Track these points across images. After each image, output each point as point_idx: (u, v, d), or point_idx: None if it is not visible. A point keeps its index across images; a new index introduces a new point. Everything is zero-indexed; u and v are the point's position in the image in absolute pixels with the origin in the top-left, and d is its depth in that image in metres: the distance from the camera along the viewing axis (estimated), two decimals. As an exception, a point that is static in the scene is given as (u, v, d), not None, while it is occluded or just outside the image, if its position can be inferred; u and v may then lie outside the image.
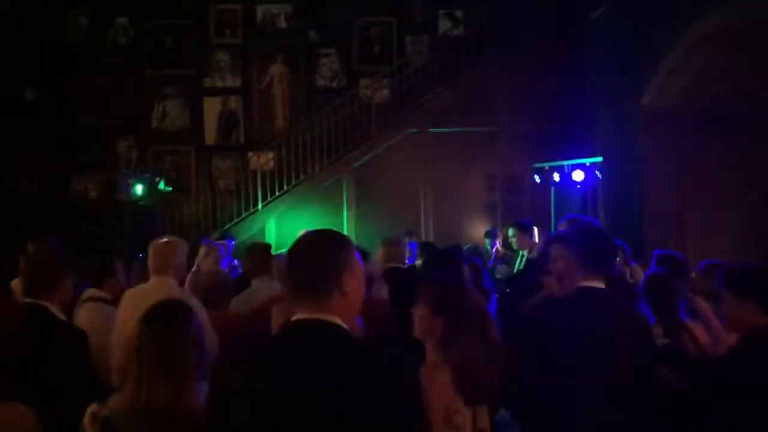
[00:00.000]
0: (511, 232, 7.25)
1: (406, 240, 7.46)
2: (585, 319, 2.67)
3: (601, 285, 2.75)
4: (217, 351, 3.51)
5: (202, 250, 5.68)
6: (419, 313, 2.79)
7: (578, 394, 2.59)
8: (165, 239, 3.76)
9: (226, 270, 5.96)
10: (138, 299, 3.59)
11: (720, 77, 8.40)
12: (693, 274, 4.79)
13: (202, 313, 3.56)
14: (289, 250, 1.94)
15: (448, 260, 3.88)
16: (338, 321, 1.84)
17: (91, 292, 4.16)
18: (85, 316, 3.93)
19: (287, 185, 10.86)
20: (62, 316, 3.19)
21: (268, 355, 1.85)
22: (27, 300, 3.13)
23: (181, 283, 3.79)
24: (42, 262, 3.27)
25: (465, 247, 6.16)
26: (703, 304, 3.83)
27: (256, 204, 10.86)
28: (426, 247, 6.04)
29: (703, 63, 8.50)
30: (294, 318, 1.85)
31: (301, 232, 6.22)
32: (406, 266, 4.78)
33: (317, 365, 1.76)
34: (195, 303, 3.62)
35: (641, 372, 2.66)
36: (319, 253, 1.88)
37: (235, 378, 1.82)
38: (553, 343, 2.64)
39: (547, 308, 3.04)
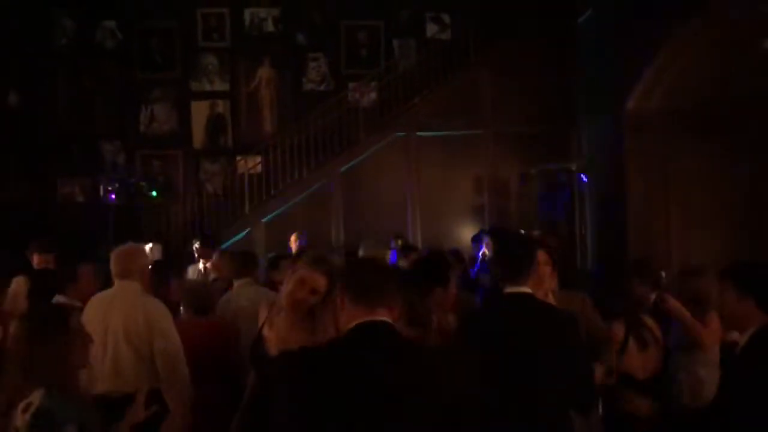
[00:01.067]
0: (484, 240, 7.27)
1: (399, 243, 7.48)
2: (507, 324, 2.80)
3: (525, 290, 2.86)
4: (183, 357, 3.53)
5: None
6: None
7: (504, 398, 2.67)
8: (127, 245, 3.87)
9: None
10: (102, 304, 3.64)
11: (703, 80, 8.48)
12: (662, 273, 4.87)
13: (163, 317, 3.58)
14: (363, 264, 2.32)
15: (437, 270, 3.71)
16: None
17: (58, 299, 4.15)
18: None
19: (275, 189, 10.87)
20: None
21: (365, 349, 2.03)
22: None
23: (149, 288, 3.84)
24: None
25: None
26: (675, 303, 3.92)
27: (243, 208, 10.85)
28: (408, 251, 6.02)
29: (687, 66, 8.57)
30: (366, 320, 2.05)
31: (293, 236, 6.22)
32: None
33: (404, 358, 2.03)
34: (157, 306, 3.65)
35: (565, 372, 2.75)
36: (392, 273, 2.24)
37: (333, 374, 1.98)
38: (480, 348, 2.71)
39: (474, 315, 3.21)
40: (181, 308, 4.19)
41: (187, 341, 3.60)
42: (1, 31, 10.41)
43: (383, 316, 2.06)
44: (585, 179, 9.96)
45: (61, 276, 4.50)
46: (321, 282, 2.68)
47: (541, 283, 3.30)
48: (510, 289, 2.88)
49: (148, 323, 3.52)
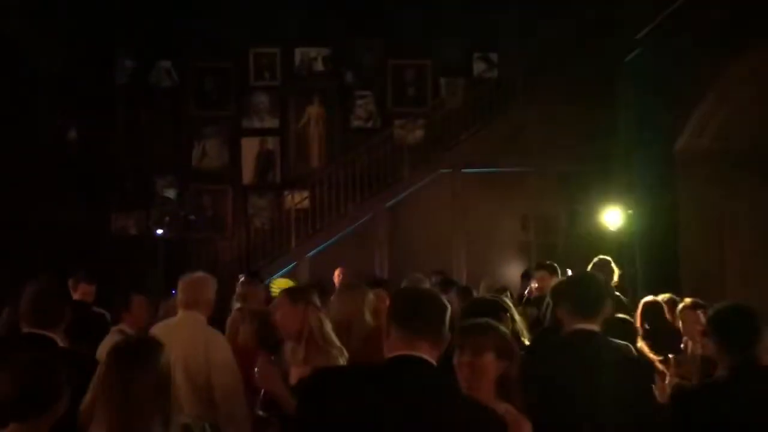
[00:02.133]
0: (537, 274, 7.12)
1: (434, 280, 7.39)
2: (580, 359, 2.71)
3: (594, 327, 2.80)
4: (243, 392, 3.52)
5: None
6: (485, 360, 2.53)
7: None
8: (196, 274, 3.78)
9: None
10: (166, 334, 3.63)
11: (755, 119, 8.29)
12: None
13: (224, 351, 3.59)
14: (414, 293, 2.23)
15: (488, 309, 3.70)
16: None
17: (116, 328, 4.27)
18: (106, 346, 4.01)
19: (321, 224, 10.98)
20: (64, 344, 3.19)
21: (388, 382, 1.96)
22: (31, 330, 3.14)
23: (209, 319, 3.80)
24: (49, 293, 3.27)
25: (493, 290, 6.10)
26: None
27: (290, 242, 10.98)
28: (447, 286, 5.94)
29: (738, 105, 8.41)
30: (403, 354, 1.98)
31: (337, 271, 6.15)
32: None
33: (429, 397, 1.93)
34: (219, 340, 3.65)
35: (641, 411, 2.67)
36: (441, 306, 2.10)
37: (347, 403, 1.94)
38: (549, 383, 2.65)
39: (541, 349, 3.09)
40: None
41: None
42: (65, 70, 10.88)
43: (423, 352, 1.96)
44: (635, 219, 9.76)
45: (116, 305, 4.55)
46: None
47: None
48: (579, 326, 2.81)
49: (208, 356, 3.48)
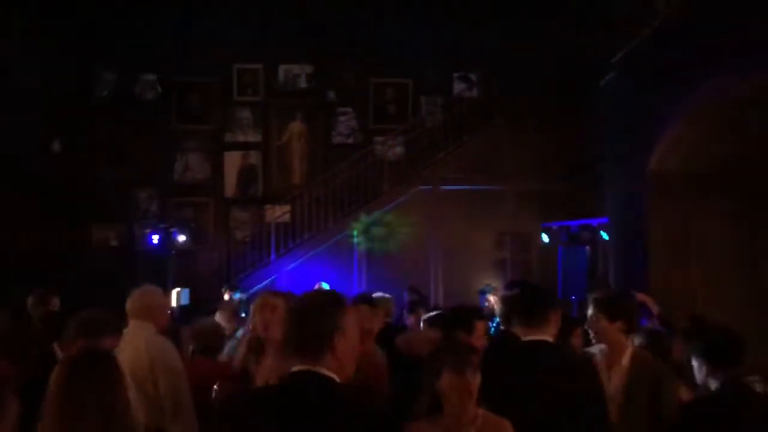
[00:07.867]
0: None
1: (414, 296, 7.59)
2: (530, 369, 2.85)
3: (544, 337, 2.95)
4: (189, 395, 3.64)
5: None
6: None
7: None
8: (143, 287, 3.87)
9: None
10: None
11: (724, 142, 8.54)
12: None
13: (169, 356, 3.71)
14: (289, 309, 2.08)
15: (461, 316, 3.99)
16: (329, 373, 1.96)
17: None
18: None
19: (301, 238, 11.12)
20: None
21: (269, 403, 1.97)
22: None
23: (164, 331, 3.90)
24: None
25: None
26: None
27: (270, 255, 11.11)
28: (416, 306, 6.07)
29: (707, 128, 8.66)
30: (292, 370, 1.97)
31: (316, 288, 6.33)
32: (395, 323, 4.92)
33: (310, 414, 1.89)
34: (163, 345, 3.75)
35: (589, 415, 2.80)
36: (314, 314, 2.00)
37: (238, 423, 1.97)
38: (501, 393, 2.76)
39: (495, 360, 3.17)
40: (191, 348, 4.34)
41: (190, 380, 3.67)
42: (47, 83, 10.98)
43: (316, 365, 1.94)
44: (606, 237, 10.01)
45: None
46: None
47: (617, 342, 3.27)
48: (529, 338, 2.95)
49: (152, 362, 3.58)
